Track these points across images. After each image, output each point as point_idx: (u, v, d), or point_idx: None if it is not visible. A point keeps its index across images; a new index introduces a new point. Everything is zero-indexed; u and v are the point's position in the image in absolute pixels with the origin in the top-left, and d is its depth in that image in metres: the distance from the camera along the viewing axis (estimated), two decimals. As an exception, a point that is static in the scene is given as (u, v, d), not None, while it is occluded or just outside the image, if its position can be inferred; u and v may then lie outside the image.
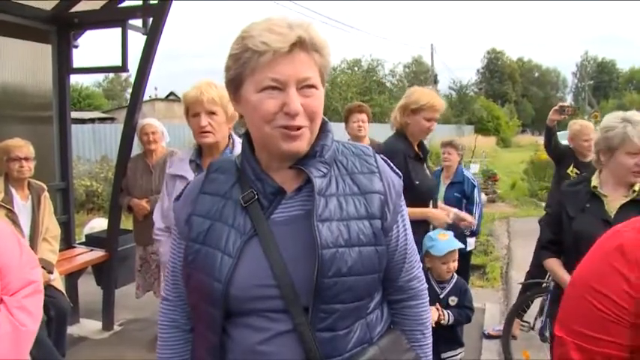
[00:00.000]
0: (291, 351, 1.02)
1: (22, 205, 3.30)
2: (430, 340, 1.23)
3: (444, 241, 2.68)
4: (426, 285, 1.23)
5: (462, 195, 4.36)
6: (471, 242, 4.38)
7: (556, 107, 4.00)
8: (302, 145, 1.03)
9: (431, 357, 1.23)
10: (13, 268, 1.56)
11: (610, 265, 1.03)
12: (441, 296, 2.67)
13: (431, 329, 1.23)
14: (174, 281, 1.20)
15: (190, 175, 2.21)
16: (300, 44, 1.00)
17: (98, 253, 4.28)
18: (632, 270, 1.01)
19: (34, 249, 3.19)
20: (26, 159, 3.28)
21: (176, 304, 1.21)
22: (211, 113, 2.14)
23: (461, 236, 4.29)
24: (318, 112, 1.05)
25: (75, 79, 32.18)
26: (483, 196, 11.21)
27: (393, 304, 1.20)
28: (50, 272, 3.23)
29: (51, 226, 3.44)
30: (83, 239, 4.90)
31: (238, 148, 2.25)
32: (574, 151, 4.03)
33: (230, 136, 2.28)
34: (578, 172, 3.90)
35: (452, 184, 4.44)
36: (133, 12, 4.10)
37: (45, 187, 3.50)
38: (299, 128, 1.01)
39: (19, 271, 1.59)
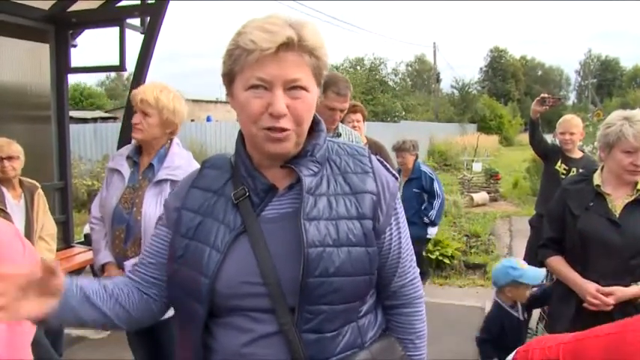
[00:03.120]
0: (276, 353, 1.00)
1: (14, 204, 3.23)
2: (424, 350, 1.19)
3: (531, 269, 2.53)
4: (421, 292, 1.19)
5: (421, 190, 4.49)
6: (432, 231, 4.61)
7: (538, 98, 3.88)
8: (288, 146, 1.02)
9: None
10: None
11: None
12: (526, 316, 2.63)
13: (425, 340, 1.19)
14: (144, 265, 1.15)
15: (125, 170, 2.30)
16: (288, 45, 0.98)
17: (97, 253, 4.25)
18: None
19: (31, 248, 3.16)
20: (9, 158, 3.16)
21: (137, 282, 1.15)
22: (145, 114, 2.25)
23: (422, 225, 4.44)
24: (305, 115, 1.02)
25: (77, 79, 32.27)
26: (485, 195, 11.24)
27: (387, 310, 1.17)
28: (47, 271, 3.20)
29: (47, 224, 3.37)
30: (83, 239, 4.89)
31: (175, 150, 2.30)
32: (561, 147, 3.96)
33: (170, 140, 2.34)
34: (567, 167, 3.84)
35: (409, 180, 4.53)
36: (130, 11, 4.13)
37: (38, 185, 3.42)
38: (283, 130, 0.99)
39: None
